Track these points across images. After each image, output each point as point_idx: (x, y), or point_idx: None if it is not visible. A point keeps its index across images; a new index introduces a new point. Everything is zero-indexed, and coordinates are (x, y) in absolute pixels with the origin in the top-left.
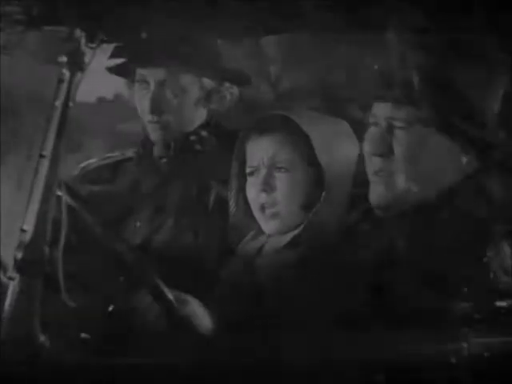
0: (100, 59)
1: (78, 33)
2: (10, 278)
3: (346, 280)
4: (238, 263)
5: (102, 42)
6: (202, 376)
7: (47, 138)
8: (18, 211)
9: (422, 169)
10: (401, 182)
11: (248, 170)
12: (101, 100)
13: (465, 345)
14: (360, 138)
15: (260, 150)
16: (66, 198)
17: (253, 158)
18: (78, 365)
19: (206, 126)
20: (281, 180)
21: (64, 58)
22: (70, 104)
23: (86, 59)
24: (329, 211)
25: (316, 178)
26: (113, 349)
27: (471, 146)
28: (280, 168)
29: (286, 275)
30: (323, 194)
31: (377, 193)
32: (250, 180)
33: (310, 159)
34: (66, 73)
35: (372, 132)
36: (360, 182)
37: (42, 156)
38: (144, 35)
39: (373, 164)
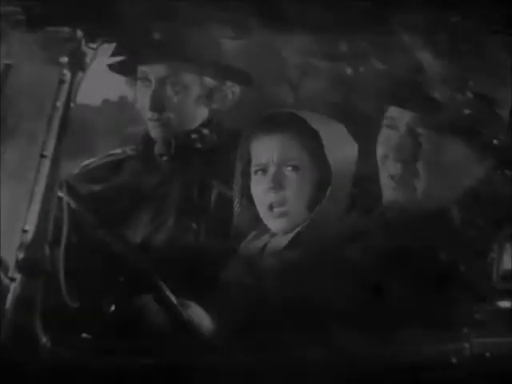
0: (102, 60)
1: (79, 33)
2: (12, 279)
3: (346, 280)
4: (239, 263)
5: (103, 42)
6: (202, 376)
7: (48, 139)
8: (20, 211)
9: (441, 175)
10: (420, 188)
11: (254, 168)
12: (106, 102)
13: (466, 345)
14: (368, 137)
15: (268, 148)
16: (67, 198)
17: (260, 155)
18: (78, 365)
19: (207, 124)
20: (290, 178)
21: (65, 59)
22: (72, 104)
23: (87, 59)
24: (330, 210)
25: (323, 176)
26: (113, 349)
27: (487, 151)
28: (290, 166)
29: (287, 275)
30: (328, 192)
31: (393, 197)
32: (255, 178)
33: (319, 157)
34: (67, 73)
35: (390, 136)
36: (359, 182)
37: (43, 156)
38: (157, 35)
39: (390, 168)
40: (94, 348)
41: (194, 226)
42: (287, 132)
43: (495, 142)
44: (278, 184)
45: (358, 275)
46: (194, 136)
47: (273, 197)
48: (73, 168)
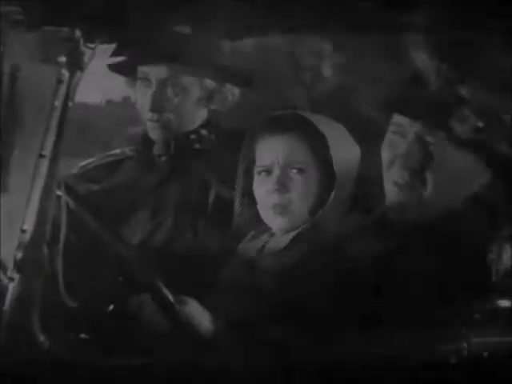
0: (101, 60)
1: (78, 33)
2: (10, 278)
3: (346, 280)
4: (238, 263)
5: (102, 42)
6: (202, 376)
7: (47, 138)
8: (18, 211)
9: (447, 183)
10: (426, 195)
11: (258, 169)
12: (104, 101)
13: (465, 345)
14: (370, 139)
15: (273, 150)
16: (65, 198)
17: (265, 156)
18: (77, 365)
19: (206, 124)
20: (296, 181)
21: (63, 58)
22: (70, 104)
23: (86, 59)
24: (332, 213)
25: (327, 179)
26: (112, 349)
27: (492, 158)
28: (296, 169)
29: (286, 275)
30: (332, 196)
31: (396, 202)
32: (259, 179)
33: (324, 160)
34: (66, 73)
35: (396, 142)
36: (361, 183)
37: (41, 156)
38: (156, 36)
39: (396, 175)
40: (93, 348)
41: (193, 226)
42: (293, 134)
43: (499, 147)
44: (282, 186)
45: (358, 275)
46: (192, 137)
47: (277, 199)
48: (71, 168)
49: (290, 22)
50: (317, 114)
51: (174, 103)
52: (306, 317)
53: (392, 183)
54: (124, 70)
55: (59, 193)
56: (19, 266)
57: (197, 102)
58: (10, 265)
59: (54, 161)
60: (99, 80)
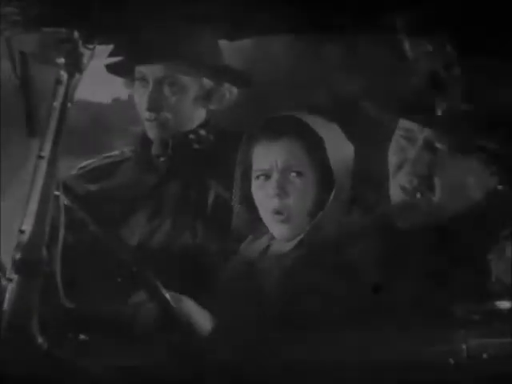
0: (100, 61)
1: (76, 34)
2: (9, 279)
3: (346, 280)
4: (240, 264)
5: (100, 43)
6: (202, 376)
7: (45, 139)
8: (17, 212)
9: (455, 189)
10: (435, 200)
11: (256, 174)
12: (104, 101)
13: (463, 346)
14: (373, 140)
15: (271, 154)
16: (64, 199)
17: (262, 161)
18: (76, 366)
19: (204, 124)
20: (295, 184)
21: (62, 60)
22: (69, 105)
23: (84, 60)
24: (332, 213)
25: (325, 180)
26: (111, 349)
27: (496, 164)
28: (295, 172)
29: (292, 277)
30: (331, 196)
31: (402, 207)
32: (257, 183)
33: (322, 162)
34: (64, 74)
35: (405, 147)
36: (360, 184)
37: (40, 157)
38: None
39: (403, 180)
40: (92, 349)
41: (192, 227)
42: (290, 137)
43: (503, 152)
44: (282, 190)
45: (358, 275)
46: (191, 137)
47: (277, 203)
48: (70, 169)
49: (290, 22)
50: (311, 115)
51: (172, 102)
52: (307, 317)
53: (399, 187)
54: (121, 70)
55: (58, 193)
56: (18, 266)
57: (194, 101)
58: (9, 265)
59: (52, 162)
60: (97, 80)
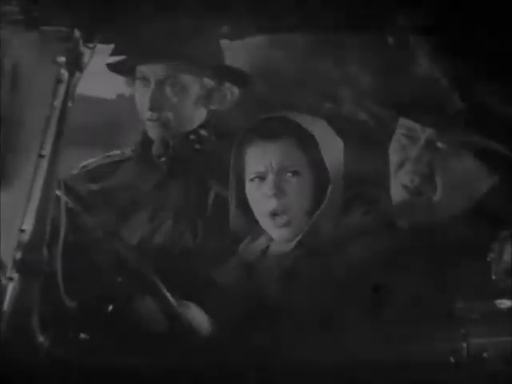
0: (101, 59)
1: (77, 33)
2: (9, 279)
3: (346, 280)
4: (239, 264)
5: (101, 42)
6: (202, 376)
7: (46, 138)
8: (17, 211)
9: (456, 188)
10: (436, 200)
11: (251, 176)
12: (104, 101)
13: (464, 345)
14: (372, 140)
15: (265, 155)
16: (64, 198)
17: (257, 163)
18: (77, 365)
19: (205, 125)
20: (291, 184)
21: (62, 58)
22: (69, 104)
23: (85, 59)
24: (329, 213)
25: (321, 178)
26: (112, 349)
27: (498, 166)
28: (290, 172)
29: (293, 277)
30: (328, 193)
31: (403, 205)
32: (252, 185)
33: (316, 159)
34: (65, 73)
35: (406, 146)
36: (351, 183)
37: (41, 156)
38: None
39: (405, 179)
40: (92, 348)
41: (192, 227)
42: (283, 137)
43: (506, 153)
44: (279, 191)
45: (358, 275)
46: (192, 137)
47: (275, 204)
48: (71, 168)
49: (290, 22)
50: (301, 114)
51: (173, 102)
52: (307, 317)
53: (400, 186)
54: (122, 69)
55: (59, 193)
56: (18, 266)
57: (196, 101)
58: (10, 265)
59: (53, 161)
60: (98, 79)
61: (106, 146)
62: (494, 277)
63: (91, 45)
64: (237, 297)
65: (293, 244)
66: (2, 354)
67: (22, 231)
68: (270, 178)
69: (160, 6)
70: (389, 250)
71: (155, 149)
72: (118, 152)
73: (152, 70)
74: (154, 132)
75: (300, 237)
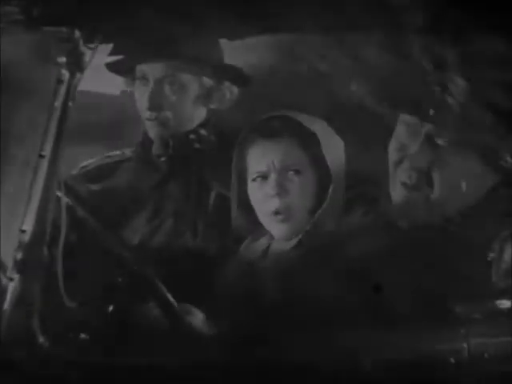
0: (101, 60)
1: (77, 33)
2: (10, 279)
3: (346, 279)
4: (241, 264)
5: (102, 42)
6: (202, 376)
7: (47, 139)
8: (18, 211)
9: (454, 185)
10: (434, 197)
11: (253, 175)
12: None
13: (464, 345)
14: (374, 137)
15: (267, 154)
16: (65, 198)
17: (259, 162)
18: (77, 365)
19: (205, 124)
20: (294, 183)
21: (63, 59)
22: (70, 104)
23: (86, 59)
24: (330, 213)
25: (322, 177)
26: (112, 349)
27: (501, 167)
28: (292, 171)
29: (294, 276)
30: (329, 192)
31: (403, 203)
32: (254, 185)
33: (318, 158)
34: (66, 73)
35: (406, 141)
36: (352, 183)
37: (41, 156)
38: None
39: (403, 176)
40: (92, 348)
41: (193, 226)
42: (285, 136)
43: (508, 157)
44: (282, 190)
45: (358, 274)
46: (192, 137)
47: (277, 203)
48: (71, 168)
49: (290, 22)
50: (302, 113)
51: (172, 101)
52: (307, 317)
53: (399, 183)
54: (121, 69)
55: (59, 193)
56: (19, 266)
57: (195, 100)
58: (10, 265)
59: (53, 161)
60: (99, 79)
61: (107, 146)
62: (494, 277)
63: (92, 45)
64: (237, 297)
65: (293, 243)
66: (2, 354)
67: (23, 231)
68: (273, 177)
69: (160, 6)
70: (389, 249)
71: (155, 148)
72: (118, 152)
73: (151, 69)
74: (153, 131)
75: (300, 236)
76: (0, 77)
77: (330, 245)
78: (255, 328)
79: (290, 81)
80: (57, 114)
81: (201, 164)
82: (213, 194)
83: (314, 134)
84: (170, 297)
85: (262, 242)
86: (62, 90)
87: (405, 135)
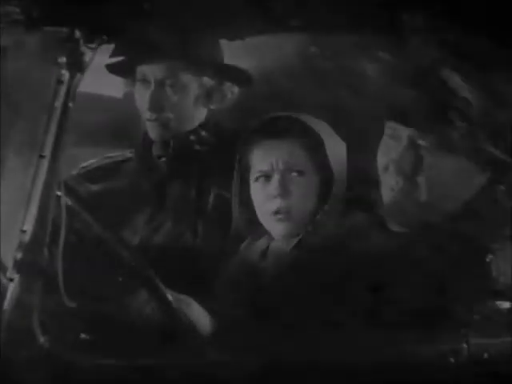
0: (102, 60)
1: (78, 33)
2: (10, 279)
3: (346, 280)
4: (240, 265)
5: (102, 42)
6: (202, 376)
7: (47, 139)
8: (18, 212)
9: (442, 186)
10: (422, 200)
11: (255, 175)
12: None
13: (464, 345)
14: (369, 140)
15: (271, 154)
16: (65, 199)
17: (262, 162)
18: (77, 365)
19: (205, 125)
20: (297, 184)
21: (63, 59)
22: (70, 104)
23: (86, 59)
24: (331, 214)
25: (325, 179)
26: (112, 349)
27: (489, 165)
28: (296, 172)
29: (290, 277)
30: (331, 194)
31: (393, 207)
32: (256, 185)
33: (322, 160)
34: (66, 73)
35: (391, 147)
36: (355, 184)
37: (41, 156)
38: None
39: (391, 180)
40: (93, 348)
41: (193, 227)
42: (290, 137)
43: (496, 152)
44: (285, 190)
45: (358, 275)
46: (192, 138)
47: (279, 203)
48: (72, 168)
49: (291, 22)
50: (305, 114)
51: (173, 102)
52: (307, 317)
53: (389, 189)
54: (121, 70)
55: (59, 193)
56: (19, 266)
57: (195, 101)
58: (10, 265)
59: (53, 162)
60: (99, 80)
61: (111, 148)
62: (493, 277)
63: (92, 45)
64: (237, 296)
65: (293, 243)
66: (2, 354)
67: (23, 232)
68: (276, 177)
69: (160, 5)
70: (389, 250)
71: (155, 149)
72: (118, 153)
73: (152, 71)
74: (154, 132)
75: (300, 237)
76: (0, 77)
77: (330, 245)
78: (255, 327)
79: (290, 81)
80: (57, 115)
81: (201, 165)
82: (212, 195)
83: (318, 135)
84: (170, 297)
85: (262, 242)
86: (62, 90)
87: (391, 139)
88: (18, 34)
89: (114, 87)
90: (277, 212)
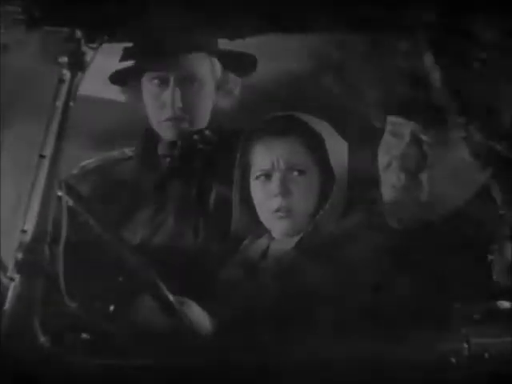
0: (102, 60)
1: (79, 33)
2: (11, 279)
3: (346, 280)
4: (240, 265)
5: (103, 42)
6: (202, 376)
7: (47, 139)
8: (19, 211)
9: (445, 183)
10: (424, 197)
11: (256, 174)
12: (105, 101)
13: (465, 345)
14: (369, 139)
15: (272, 153)
16: (66, 198)
17: (263, 161)
18: (78, 365)
19: (209, 124)
20: (298, 183)
21: (65, 59)
22: (71, 104)
23: (87, 59)
24: (331, 214)
25: (326, 178)
26: (113, 349)
27: (491, 161)
28: (297, 171)
29: (293, 276)
30: (332, 194)
31: (393, 205)
32: (257, 183)
33: (323, 159)
34: (67, 73)
35: (393, 143)
36: (356, 183)
37: (42, 156)
38: (157, 35)
39: (393, 178)
40: (93, 348)
41: (194, 226)
42: (291, 136)
43: (497, 148)
44: (286, 189)
45: (358, 275)
46: (195, 137)
47: (280, 202)
48: (72, 168)
49: (291, 22)
50: (306, 114)
51: (189, 101)
52: (307, 317)
53: (390, 186)
54: (122, 80)
55: (60, 193)
56: (20, 266)
57: (208, 98)
58: (11, 265)
59: (54, 161)
60: (100, 79)
61: (108, 146)
62: (494, 277)
63: (93, 45)
64: (237, 296)
65: (293, 243)
66: (3, 354)
67: (24, 232)
68: (277, 176)
69: (160, 6)
70: (389, 249)
71: (161, 148)
72: (118, 152)
73: (170, 70)
74: (168, 132)
75: (301, 236)
76: (1, 77)
77: (330, 245)
78: (255, 327)
79: (290, 81)
80: (58, 114)
81: (203, 164)
82: (213, 194)
83: (319, 135)
84: (170, 297)
85: (262, 241)
86: (64, 89)
87: (392, 136)
88: (20, 33)
89: (114, 90)
90: (277, 210)
